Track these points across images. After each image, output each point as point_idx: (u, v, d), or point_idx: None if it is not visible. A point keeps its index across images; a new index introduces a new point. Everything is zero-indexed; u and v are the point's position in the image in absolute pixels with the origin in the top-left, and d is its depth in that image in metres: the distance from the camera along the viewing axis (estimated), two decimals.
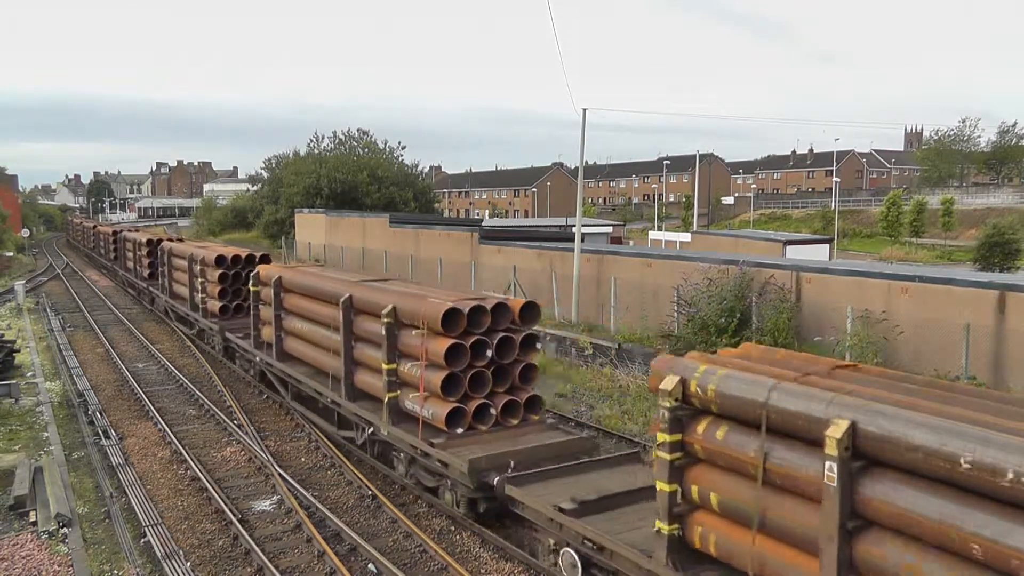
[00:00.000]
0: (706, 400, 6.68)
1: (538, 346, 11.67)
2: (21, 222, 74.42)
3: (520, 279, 26.53)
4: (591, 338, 20.73)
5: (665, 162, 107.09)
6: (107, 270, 45.73)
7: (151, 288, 30.06)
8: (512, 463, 9.97)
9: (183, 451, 13.96)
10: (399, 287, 13.07)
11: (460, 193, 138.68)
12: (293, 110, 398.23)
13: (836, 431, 5.49)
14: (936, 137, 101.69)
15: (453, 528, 10.92)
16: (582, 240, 24.32)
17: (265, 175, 73.18)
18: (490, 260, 29.31)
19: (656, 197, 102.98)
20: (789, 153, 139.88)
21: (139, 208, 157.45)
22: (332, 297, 13.36)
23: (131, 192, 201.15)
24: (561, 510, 8.42)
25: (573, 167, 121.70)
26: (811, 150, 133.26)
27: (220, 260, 21.47)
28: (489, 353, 10.94)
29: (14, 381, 18.20)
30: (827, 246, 35.85)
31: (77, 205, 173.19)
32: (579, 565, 8.31)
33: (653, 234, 52.40)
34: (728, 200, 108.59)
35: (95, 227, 55.61)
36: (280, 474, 12.73)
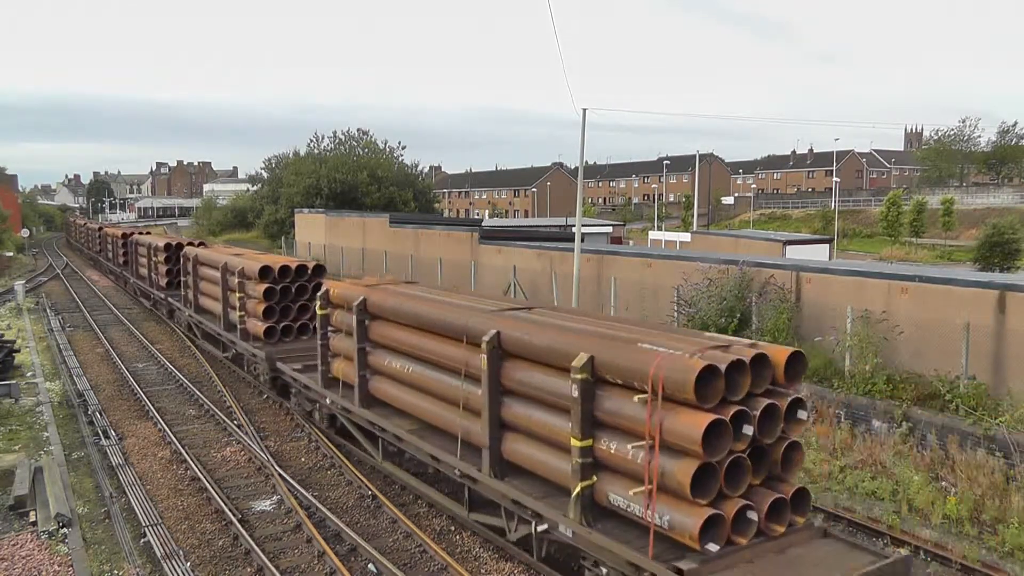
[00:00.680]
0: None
1: (804, 415, 7.99)
2: (21, 222, 74.53)
3: (520, 279, 26.55)
4: None
5: (665, 162, 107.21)
6: (115, 276, 42.06)
7: (170, 299, 26.89)
8: None
9: (183, 451, 13.98)
10: (574, 321, 9.31)
11: (460, 193, 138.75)
12: (293, 110, 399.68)
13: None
14: (936, 137, 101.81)
15: (453, 528, 10.93)
16: (582, 240, 24.28)
17: (265, 175, 73.24)
18: (490, 260, 29.30)
19: (656, 197, 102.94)
20: (789, 153, 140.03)
21: (139, 208, 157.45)
22: (459, 332, 10.01)
23: (131, 192, 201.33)
24: None
25: (573, 167, 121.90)
26: (811, 150, 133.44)
27: (265, 272, 17.81)
28: (749, 431, 7.46)
29: (14, 381, 18.21)
30: (827, 246, 35.76)
31: (77, 205, 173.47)
32: None
33: (653, 234, 52.37)
34: (728, 200, 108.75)
35: (101, 228, 50.71)
36: (280, 474, 12.73)
